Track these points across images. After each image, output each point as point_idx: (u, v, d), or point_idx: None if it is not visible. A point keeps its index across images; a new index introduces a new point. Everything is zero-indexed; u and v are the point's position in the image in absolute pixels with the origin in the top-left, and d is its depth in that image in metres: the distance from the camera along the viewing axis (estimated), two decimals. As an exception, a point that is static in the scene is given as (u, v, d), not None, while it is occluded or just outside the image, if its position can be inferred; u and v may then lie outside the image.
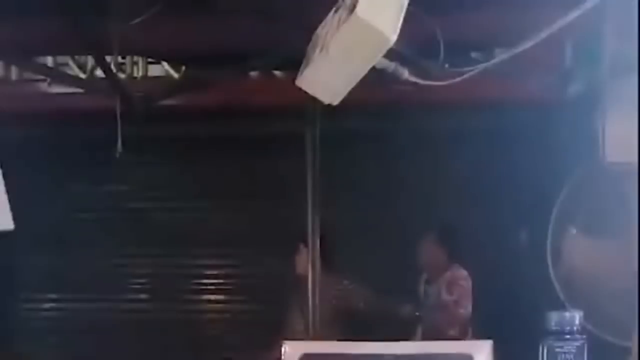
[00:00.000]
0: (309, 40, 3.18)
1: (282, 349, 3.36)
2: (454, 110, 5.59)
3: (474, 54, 4.23)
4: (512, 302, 6.04)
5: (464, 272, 5.63)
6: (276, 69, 5.43)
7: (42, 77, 6.15)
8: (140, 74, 6.17)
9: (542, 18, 3.04)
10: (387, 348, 3.60)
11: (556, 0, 3.02)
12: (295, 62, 3.42)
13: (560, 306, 4.00)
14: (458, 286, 5.57)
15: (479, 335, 3.39)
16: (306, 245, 5.61)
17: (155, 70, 6.16)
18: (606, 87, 3.59)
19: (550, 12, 2.99)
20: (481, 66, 2.82)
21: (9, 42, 4.23)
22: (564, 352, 2.97)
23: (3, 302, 7.10)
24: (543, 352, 2.84)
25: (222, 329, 6.42)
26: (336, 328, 5.67)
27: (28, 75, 6.23)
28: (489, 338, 3.29)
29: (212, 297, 6.97)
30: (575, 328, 2.82)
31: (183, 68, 5.86)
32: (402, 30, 2.62)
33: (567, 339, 2.84)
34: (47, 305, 7.20)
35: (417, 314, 5.66)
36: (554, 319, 2.90)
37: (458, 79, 2.87)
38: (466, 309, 5.55)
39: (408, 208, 6.19)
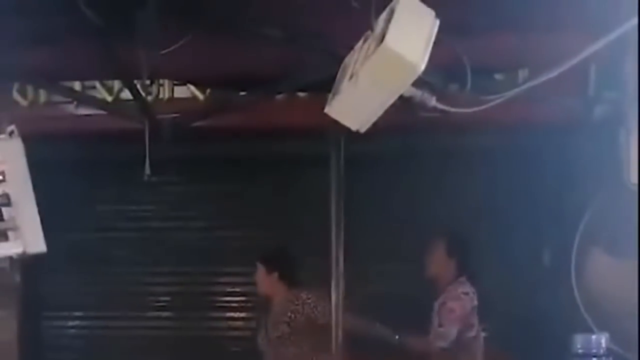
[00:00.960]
0: (333, 63, 3.24)
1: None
2: (478, 132, 5.60)
3: (497, 76, 4.28)
4: (537, 324, 6.03)
5: (461, 291, 5.38)
6: (301, 91, 5.48)
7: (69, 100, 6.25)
8: (167, 95, 6.25)
9: (566, 40, 3.08)
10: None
11: (579, 22, 3.06)
12: (320, 84, 3.49)
13: (586, 328, 4.01)
14: (445, 309, 5.35)
15: (502, 357, 3.40)
16: (262, 263, 5.73)
17: (180, 91, 6.24)
18: (630, 110, 3.62)
19: (574, 34, 3.03)
20: (508, 94, 2.86)
21: (38, 68, 4.32)
22: (590, 375, 2.98)
23: (31, 321, 7.17)
24: (568, 375, 2.85)
25: (246, 346, 6.44)
26: (296, 345, 5.62)
27: (56, 97, 6.32)
28: (511, 356, 3.31)
29: (236, 314, 7.00)
30: (601, 350, 2.84)
31: (208, 90, 5.95)
32: (429, 56, 2.67)
33: (593, 362, 2.85)
34: (73, 323, 7.26)
35: (396, 337, 5.44)
36: (579, 341, 2.92)
37: (484, 107, 2.91)
38: (449, 333, 5.30)
39: (431, 229, 6.19)
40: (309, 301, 5.61)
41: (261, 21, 3.68)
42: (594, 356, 2.87)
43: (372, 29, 2.74)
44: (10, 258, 3.54)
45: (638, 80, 3.25)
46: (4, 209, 3.52)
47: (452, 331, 5.31)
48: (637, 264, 4.46)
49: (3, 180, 3.55)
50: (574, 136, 5.34)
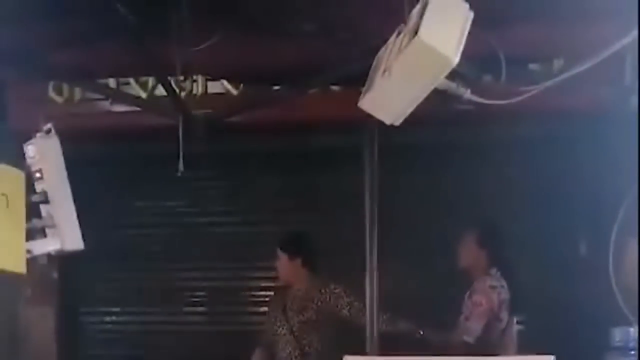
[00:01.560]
0: (367, 56, 3.23)
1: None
2: (512, 122, 5.56)
3: (532, 66, 4.23)
4: (574, 317, 5.98)
5: (489, 284, 5.28)
6: (334, 85, 5.47)
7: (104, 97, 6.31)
8: (200, 91, 6.28)
9: (601, 29, 3.05)
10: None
11: (613, 10, 3.03)
12: (353, 78, 3.48)
13: (624, 322, 3.97)
14: (471, 302, 5.24)
15: (539, 351, 3.37)
16: (284, 251, 5.72)
17: (214, 87, 6.27)
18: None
19: (608, 22, 3.00)
20: (544, 84, 2.84)
21: (74, 66, 4.36)
22: (629, 368, 2.95)
23: (69, 316, 7.25)
24: (607, 368, 2.83)
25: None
26: (320, 331, 5.64)
27: (91, 94, 6.38)
28: (550, 354, 3.29)
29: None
30: None
31: (241, 85, 5.96)
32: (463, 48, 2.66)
33: (632, 355, 2.83)
34: (109, 319, 7.32)
35: (420, 332, 5.36)
36: (617, 334, 2.89)
37: (519, 98, 2.89)
38: (474, 328, 5.19)
39: (463, 220, 6.16)
40: (337, 292, 5.63)
41: (294, 16, 3.68)
42: (632, 349, 2.84)
43: (405, 23, 2.73)
44: (49, 254, 3.58)
45: (638, 79, 3.21)
46: (42, 207, 3.57)
47: (478, 326, 5.21)
48: (637, 262, 4.43)
49: (41, 178, 3.60)
50: (610, 126, 5.27)
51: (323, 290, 5.63)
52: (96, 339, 7.31)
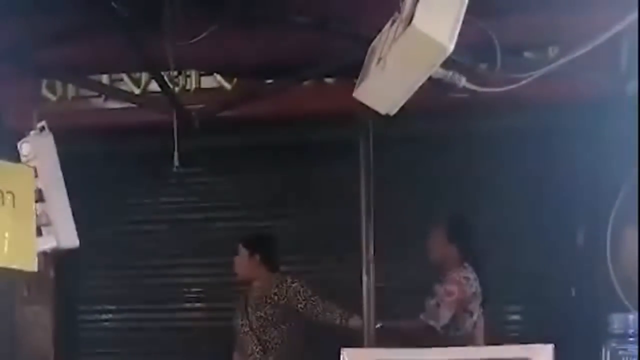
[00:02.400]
0: (360, 48, 3.22)
1: (342, 357, 3.38)
2: (508, 111, 5.54)
3: (527, 54, 4.22)
4: (573, 305, 5.99)
5: (462, 275, 5.29)
6: (328, 77, 5.46)
7: (97, 93, 6.28)
8: (194, 86, 6.27)
9: (597, 17, 3.03)
10: (445, 354, 3.61)
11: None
12: (347, 70, 3.46)
13: (623, 308, 3.97)
14: (443, 289, 5.26)
15: (538, 340, 3.36)
16: (245, 246, 5.80)
17: (207, 82, 6.25)
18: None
19: (604, 10, 2.98)
20: (539, 72, 2.82)
21: (66, 63, 4.34)
22: (628, 355, 2.95)
23: (66, 315, 7.23)
24: (606, 355, 2.82)
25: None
26: (279, 326, 5.69)
27: (84, 92, 6.35)
28: (549, 342, 3.28)
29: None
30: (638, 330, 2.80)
31: (235, 79, 5.94)
32: (457, 36, 2.64)
33: (631, 342, 2.82)
34: (106, 317, 7.31)
35: (378, 325, 5.21)
36: (616, 321, 2.88)
37: (515, 85, 2.87)
38: (443, 315, 5.20)
39: (461, 212, 6.15)
40: (294, 285, 5.69)
41: (287, 8, 3.67)
42: (631, 336, 2.83)
43: (399, 11, 2.71)
44: (44, 253, 3.55)
45: (638, 78, 3.19)
46: (37, 205, 3.54)
47: (447, 313, 5.23)
48: (637, 261, 4.42)
49: (35, 176, 3.56)
50: (607, 113, 5.27)
51: (280, 286, 5.71)
52: (94, 337, 7.29)
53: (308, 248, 6.69)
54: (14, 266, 3.15)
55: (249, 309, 5.76)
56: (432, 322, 5.22)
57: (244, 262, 5.83)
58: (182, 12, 3.64)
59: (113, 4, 3.55)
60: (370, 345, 4.48)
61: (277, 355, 5.69)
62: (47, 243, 3.54)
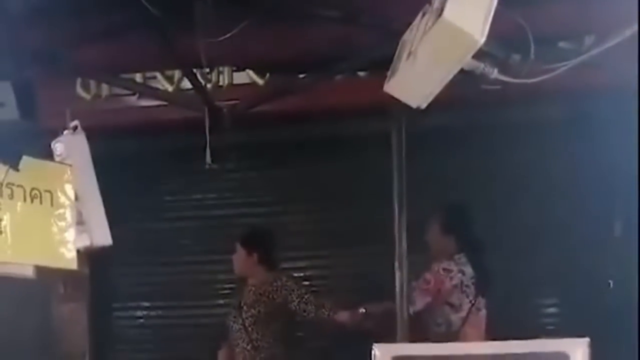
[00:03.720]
0: (391, 41, 3.20)
1: (372, 352, 3.38)
2: (542, 102, 5.50)
3: (562, 44, 4.17)
4: (610, 297, 5.92)
5: (442, 267, 5.24)
6: (359, 71, 5.44)
7: (131, 92, 6.32)
8: (226, 82, 6.29)
9: (632, 5, 2.99)
10: (479, 348, 3.60)
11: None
12: (378, 64, 3.45)
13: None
14: (423, 277, 5.23)
15: (572, 333, 3.33)
16: (242, 245, 5.83)
17: (240, 77, 6.26)
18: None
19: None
20: (572, 62, 2.79)
21: (100, 62, 4.37)
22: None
23: (100, 312, 7.29)
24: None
25: (311, 330, 6.44)
26: (270, 325, 5.71)
27: (117, 90, 6.40)
28: (585, 335, 3.25)
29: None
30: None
31: (267, 74, 5.95)
32: (489, 27, 2.62)
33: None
34: (141, 313, 7.36)
35: (363, 310, 5.39)
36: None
37: (548, 76, 2.84)
38: (416, 301, 5.14)
39: (496, 204, 6.10)
40: (288, 284, 5.73)
41: (318, 2, 3.66)
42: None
43: (430, 3, 2.70)
44: (78, 251, 3.58)
45: (638, 80, 3.14)
46: (69, 203, 3.56)
47: (419, 300, 5.17)
48: (637, 261, 4.36)
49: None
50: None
51: (275, 284, 5.74)
52: (128, 334, 7.34)
53: (340, 242, 6.68)
54: (54, 264, 3.19)
55: (244, 307, 5.79)
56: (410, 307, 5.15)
57: (241, 260, 5.87)
58: (214, 8, 3.65)
59: (145, 2, 3.56)
60: (402, 341, 4.47)
61: (267, 354, 5.72)
62: (81, 241, 3.56)
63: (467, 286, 5.27)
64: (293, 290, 5.71)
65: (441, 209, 5.52)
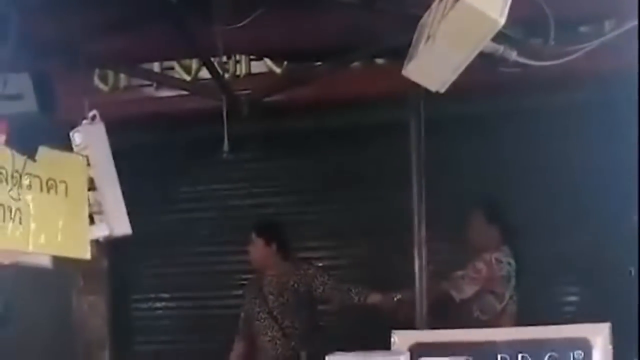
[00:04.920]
0: (408, 27, 3.18)
1: (392, 339, 3.37)
2: (561, 87, 5.46)
3: (582, 28, 4.13)
4: (631, 284, 5.87)
5: (495, 256, 5.32)
6: (377, 58, 5.42)
7: (149, 82, 6.33)
8: (243, 71, 6.29)
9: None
10: (499, 334, 3.58)
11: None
12: (396, 50, 3.42)
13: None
14: (473, 266, 5.32)
15: (595, 319, 3.32)
16: (258, 235, 5.84)
17: (257, 66, 6.25)
18: None
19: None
20: (592, 44, 2.76)
21: (118, 53, 4.37)
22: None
23: (119, 304, 7.32)
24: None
25: (332, 321, 6.44)
26: (297, 312, 5.76)
27: (135, 81, 6.41)
28: (606, 321, 3.23)
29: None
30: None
31: (285, 63, 5.94)
32: (509, 10, 2.60)
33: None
34: (160, 305, 7.38)
35: (397, 296, 5.43)
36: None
37: (568, 58, 2.82)
38: (465, 289, 5.26)
39: (516, 192, 6.06)
40: (310, 272, 5.78)
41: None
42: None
43: (448, -14, 2.67)
44: (97, 243, 3.58)
45: (638, 82, 3.10)
46: (89, 193, 3.57)
47: (469, 288, 5.28)
48: (637, 262, 4.31)
49: (87, 165, 3.59)
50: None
51: (297, 272, 5.77)
52: (147, 325, 7.37)
53: (359, 232, 6.67)
54: (68, 254, 3.18)
55: (270, 297, 5.81)
56: (453, 292, 5.27)
57: (259, 251, 5.88)
58: (230, -4, 3.64)
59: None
60: (420, 327, 4.46)
61: (298, 340, 5.75)
62: (100, 231, 3.55)
63: (511, 277, 5.38)
64: (316, 278, 5.75)
65: (482, 201, 5.58)
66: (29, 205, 3.01)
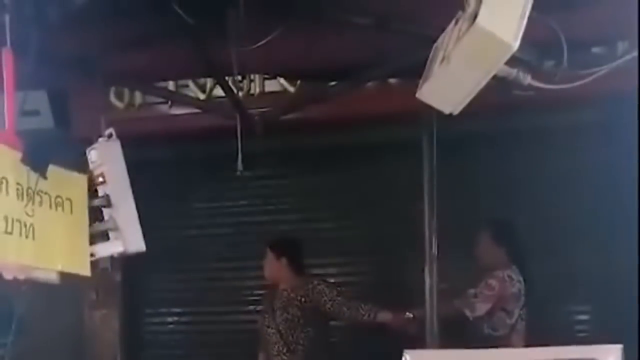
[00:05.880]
0: (422, 47, 3.20)
1: (403, 359, 3.38)
2: (574, 108, 5.47)
3: (595, 50, 4.15)
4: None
5: (507, 274, 5.35)
6: (391, 78, 5.44)
7: (164, 100, 6.38)
8: (257, 90, 6.32)
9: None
10: (510, 355, 3.58)
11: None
12: (410, 70, 3.44)
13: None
14: (485, 284, 5.32)
15: (604, 341, 3.31)
16: (272, 250, 5.87)
17: (271, 85, 6.29)
18: None
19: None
20: (606, 67, 2.78)
21: (133, 70, 4.41)
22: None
23: (132, 318, 7.34)
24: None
25: (342, 336, 6.45)
26: (304, 328, 5.74)
27: (151, 99, 6.45)
28: (617, 342, 3.22)
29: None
30: None
31: (298, 82, 5.97)
32: (522, 33, 2.62)
33: None
34: (172, 319, 7.39)
35: (410, 315, 5.39)
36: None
37: (582, 82, 2.83)
38: (479, 307, 5.27)
39: (528, 210, 6.06)
40: (319, 287, 5.75)
41: (349, 9, 3.67)
42: None
43: (463, 10, 2.70)
44: (112, 258, 3.61)
45: (638, 77, 3.11)
46: (104, 210, 3.61)
47: (483, 306, 5.29)
48: (637, 263, 4.31)
49: (103, 182, 3.63)
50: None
51: (306, 287, 5.76)
52: (159, 340, 7.38)
53: (371, 250, 6.69)
54: (71, 270, 3.22)
55: (277, 311, 5.82)
56: (466, 311, 5.27)
57: (271, 265, 5.91)
58: (246, 16, 3.68)
59: (179, 10, 3.59)
60: (431, 346, 4.46)
61: (303, 356, 5.75)
62: (115, 247, 3.60)
63: (522, 295, 5.41)
64: (325, 294, 5.72)
65: (491, 220, 5.61)
66: (41, 222, 3.05)
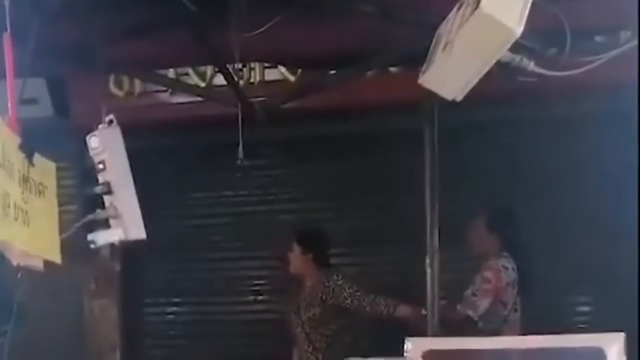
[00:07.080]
0: (423, 36, 3.19)
1: (405, 346, 3.38)
2: (577, 96, 5.45)
3: (598, 38, 4.13)
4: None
5: (501, 264, 5.29)
6: (392, 66, 5.43)
7: (164, 88, 6.36)
8: (258, 78, 6.31)
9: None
10: (512, 343, 3.57)
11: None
12: (411, 58, 3.44)
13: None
14: (481, 277, 5.26)
15: (608, 329, 3.31)
16: (298, 242, 5.80)
17: (271, 74, 6.27)
18: None
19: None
20: (608, 55, 2.77)
21: (133, 58, 4.40)
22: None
23: (131, 308, 7.34)
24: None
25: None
26: (326, 325, 5.72)
27: (150, 87, 6.43)
28: (620, 331, 3.21)
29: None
30: None
31: (299, 70, 5.96)
32: (526, 20, 2.61)
33: None
34: (171, 309, 7.39)
35: (424, 311, 5.21)
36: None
37: (584, 69, 2.82)
38: (480, 304, 5.19)
39: (530, 200, 6.06)
40: (340, 283, 5.69)
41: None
42: None
43: (465, -4, 2.69)
44: (111, 247, 3.62)
45: (638, 76, 3.10)
46: (105, 197, 3.60)
47: (484, 302, 5.22)
48: (637, 263, 4.31)
49: (104, 169, 3.62)
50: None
51: (327, 283, 5.71)
52: (159, 329, 7.38)
53: (372, 239, 6.68)
54: (47, 257, 3.21)
55: (302, 310, 5.80)
56: (470, 313, 5.21)
57: (296, 259, 5.85)
58: (247, 4, 3.66)
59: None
60: (433, 335, 4.45)
61: (327, 353, 5.73)
62: (115, 235, 3.59)
63: (515, 284, 5.35)
64: (344, 289, 5.66)
65: (486, 208, 5.55)
66: (32, 209, 3.05)
